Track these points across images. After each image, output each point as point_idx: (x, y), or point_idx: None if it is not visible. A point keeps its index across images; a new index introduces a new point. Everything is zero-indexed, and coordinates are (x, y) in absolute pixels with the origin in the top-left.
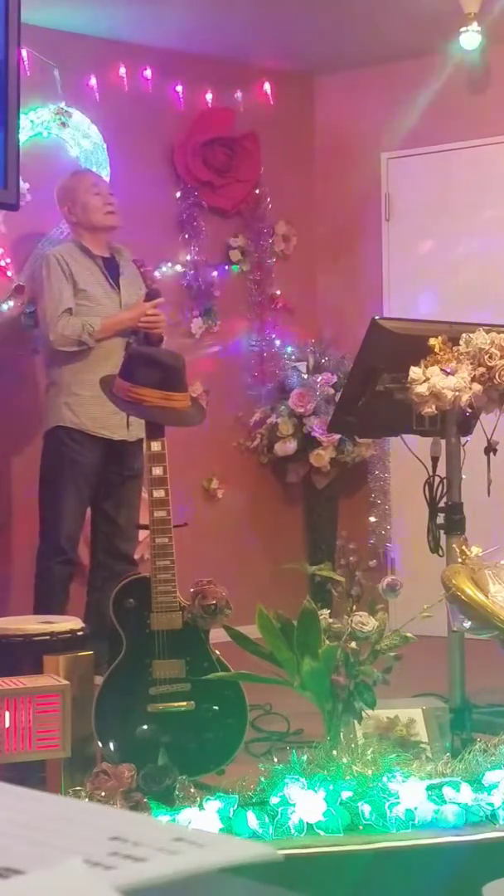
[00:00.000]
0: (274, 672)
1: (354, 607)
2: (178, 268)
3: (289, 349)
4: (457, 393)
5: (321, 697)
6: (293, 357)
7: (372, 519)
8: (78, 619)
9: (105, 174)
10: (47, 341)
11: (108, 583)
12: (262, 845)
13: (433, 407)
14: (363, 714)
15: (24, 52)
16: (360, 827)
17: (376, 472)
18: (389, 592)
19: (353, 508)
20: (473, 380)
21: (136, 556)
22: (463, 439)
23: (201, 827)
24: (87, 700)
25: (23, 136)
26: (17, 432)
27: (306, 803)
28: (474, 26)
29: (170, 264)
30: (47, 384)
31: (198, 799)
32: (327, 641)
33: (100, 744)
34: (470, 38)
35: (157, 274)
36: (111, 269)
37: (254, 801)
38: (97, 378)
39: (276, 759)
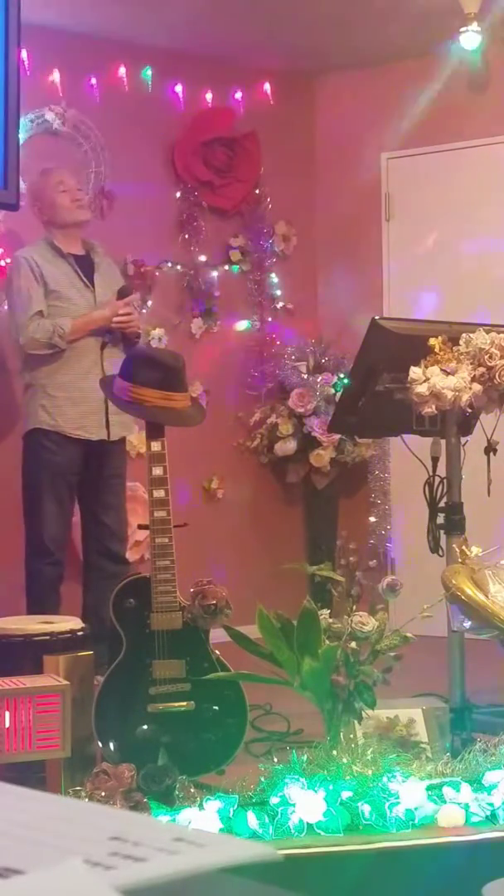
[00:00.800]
0: (274, 672)
1: (354, 607)
2: (179, 268)
3: (289, 349)
4: (457, 393)
5: (321, 697)
6: (293, 357)
7: (372, 519)
8: (78, 619)
9: (106, 174)
10: (18, 345)
11: (102, 584)
12: (262, 845)
13: (433, 407)
14: (363, 714)
15: (24, 52)
16: (360, 827)
17: (376, 472)
18: (389, 592)
19: (353, 508)
20: (473, 380)
21: (136, 557)
22: (463, 439)
23: (201, 827)
24: (87, 700)
25: (23, 136)
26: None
27: (306, 803)
28: (474, 26)
29: (170, 264)
30: (24, 386)
31: (198, 799)
32: (327, 641)
33: (100, 744)
34: (470, 38)
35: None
36: (85, 266)
37: (254, 801)
38: (72, 379)
39: (276, 759)
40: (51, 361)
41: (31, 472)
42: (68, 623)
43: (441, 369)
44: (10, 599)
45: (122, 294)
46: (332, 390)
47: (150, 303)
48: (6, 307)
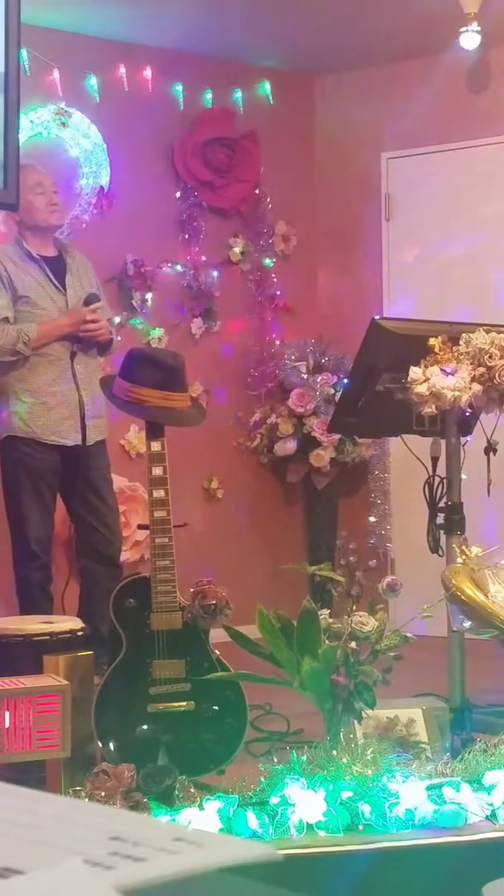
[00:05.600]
0: (274, 672)
1: (354, 607)
2: (179, 268)
3: (289, 349)
4: (457, 393)
5: (321, 697)
6: (293, 357)
7: (372, 519)
8: (78, 620)
9: (105, 174)
10: None
11: (95, 588)
12: (262, 845)
13: (433, 407)
14: (363, 714)
15: (24, 52)
16: (360, 827)
17: (376, 472)
18: (389, 592)
19: (353, 508)
20: (473, 380)
21: (136, 557)
22: (463, 439)
23: (201, 827)
24: (87, 700)
25: (23, 136)
26: None
27: (306, 803)
28: (474, 26)
29: (170, 264)
30: None
31: (198, 799)
32: (327, 641)
33: (100, 744)
34: (470, 38)
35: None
36: (57, 268)
37: (254, 801)
38: (43, 384)
39: (276, 759)
40: (20, 366)
41: (11, 478)
42: (68, 623)
43: (441, 369)
44: (5, 601)
45: (87, 302)
46: (332, 390)
47: (149, 303)
48: None
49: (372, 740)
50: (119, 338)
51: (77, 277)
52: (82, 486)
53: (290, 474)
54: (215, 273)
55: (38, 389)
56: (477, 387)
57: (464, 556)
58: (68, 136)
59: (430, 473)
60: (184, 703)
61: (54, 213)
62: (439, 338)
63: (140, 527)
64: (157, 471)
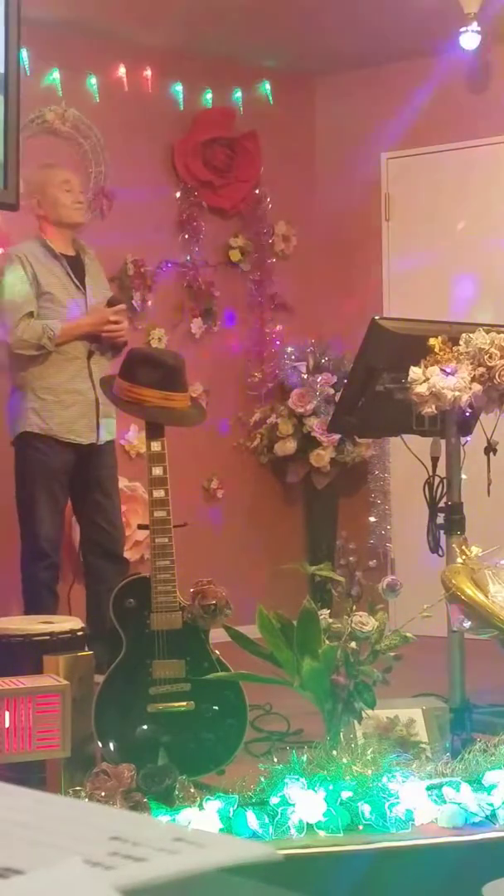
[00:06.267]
0: (274, 672)
1: (354, 607)
2: (179, 268)
3: (289, 349)
4: (457, 393)
5: (321, 697)
6: (293, 357)
7: (372, 519)
8: (78, 619)
9: (106, 174)
10: (7, 345)
11: (101, 585)
12: (262, 845)
13: (433, 407)
14: (363, 714)
15: (24, 52)
16: (360, 827)
17: (376, 472)
18: (389, 592)
19: (353, 508)
20: (473, 380)
21: (136, 557)
22: (463, 439)
23: (201, 827)
24: (87, 700)
25: (23, 136)
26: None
27: (306, 803)
28: (474, 26)
29: (170, 264)
30: (12, 388)
31: (198, 799)
32: (327, 641)
33: (100, 744)
34: (470, 38)
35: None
36: (76, 268)
37: (254, 801)
38: (61, 382)
39: (276, 759)
40: (39, 363)
41: (25, 475)
42: (68, 623)
43: (441, 369)
44: (6, 600)
45: (111, 304)
46: (332, 390)
47: (150, 303)
48: None
49: (372, 740)
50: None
51: (94, 279)
52: (92, 485)
53: (290, 474)
54: (215, 273)
55: (56, 387)
56: (477, 387)
57: (464, 556)
58: (68, 136)
59: (430, 473)
60: (184, 704)
61: (79, 211)
62: (439, 338)
63: (140, 527)
64: (157, 471)
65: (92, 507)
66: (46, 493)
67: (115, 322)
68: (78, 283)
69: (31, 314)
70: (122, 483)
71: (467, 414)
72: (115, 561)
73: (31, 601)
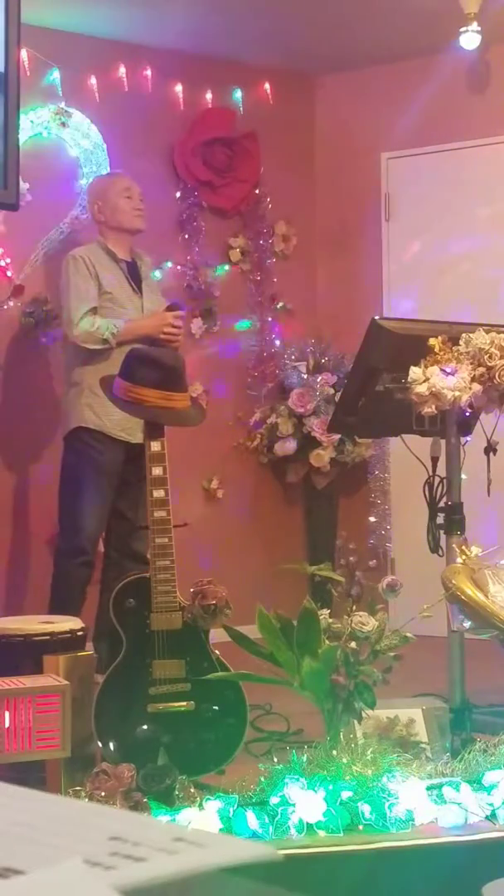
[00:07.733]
0: (274, 672)
1: (354, 607)
2: (179, 268)
3: (289, 349)
4: (457, 393)
5: (321, 697)
6: (293, 357)
7: (372, 519)
8: (78, 619)
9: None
10: (70, 339)
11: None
12: (262, 845)
13: (433, 407)
14: (363, 714)
15: (24, 52)
16: (360, 827)
17: (376, 472)
18: (389, 592)
19: (353, 508)
20: (473, 380)
21: None
22: (463, 439)
23: (201, 827)
24: (87, 700)
25: (23, 136)
26: (25, 434)
27: (306, 803)
28: (474, 26)
29: (170, 264)
30: (67, 385)
31: (198, 799)
32: (327, 641)
33: (100, 744)
34: (470, 38)
35: (158, 273)
36: (133, 273)
37: (254, 801)
38: None
39: (276, 759)
40: (98, 361)
41: (75, 469)
42: (68, 623)
43: (441, 369)
44: (10, 599)
45: (171, 308)
46: (332, 390)
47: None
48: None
49: (372, 740)
50: None
51: (150, 286)
52: (133, 484)
53: (290, 474)
54: (215, 273)
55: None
56: (477, 387)
57: (464, 556)
58: (68, 136)
59: (430, 473)
60: (184, 704)
61: (138, 218)
62: (439, 338)
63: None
64: (157, 471)
65: (131, 506)
66: (94, 489)
67: (176, 326)
68: (136, 287)
69: (94, 310)
70: None
71: (467, 414)
72: (140, 561)
73: (60, 599)
